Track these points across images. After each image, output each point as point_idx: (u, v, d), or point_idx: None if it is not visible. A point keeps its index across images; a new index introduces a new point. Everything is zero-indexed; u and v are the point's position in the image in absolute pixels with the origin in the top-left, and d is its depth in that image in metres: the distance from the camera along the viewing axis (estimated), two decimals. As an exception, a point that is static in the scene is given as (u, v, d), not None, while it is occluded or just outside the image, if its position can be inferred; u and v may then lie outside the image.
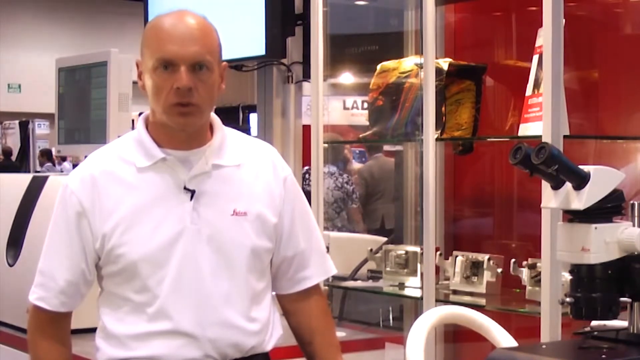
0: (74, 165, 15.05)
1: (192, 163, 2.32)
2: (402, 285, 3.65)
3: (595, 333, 2.15)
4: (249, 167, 2.39)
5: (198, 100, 2.25)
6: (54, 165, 15.95)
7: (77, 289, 2.37)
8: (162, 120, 2.30)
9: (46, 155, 16.20)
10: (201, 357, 2.30)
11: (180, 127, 2.29)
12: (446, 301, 3.36)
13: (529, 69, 3.17)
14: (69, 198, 2.34)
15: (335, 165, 7.73)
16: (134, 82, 4.33)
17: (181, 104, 2.24)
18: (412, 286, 3.60)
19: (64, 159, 15.35)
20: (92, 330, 2.47)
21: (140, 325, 2.31)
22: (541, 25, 2.96)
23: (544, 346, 2.39)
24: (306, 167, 5.08)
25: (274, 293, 2.51)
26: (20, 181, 4.49)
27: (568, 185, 2.06)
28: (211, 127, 2.39)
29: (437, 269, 3.50)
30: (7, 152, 16.67)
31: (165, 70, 2.24)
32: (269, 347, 2.42)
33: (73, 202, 2.33)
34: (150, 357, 2.31)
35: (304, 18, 4.33)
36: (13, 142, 17.49)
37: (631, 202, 2.11)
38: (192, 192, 2.30)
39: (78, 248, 2.34)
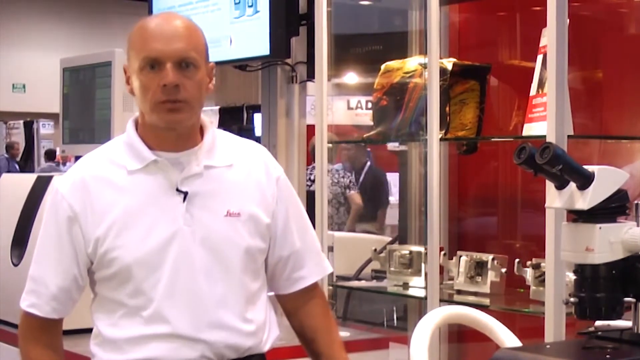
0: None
1: (183, 164, 2.31)
2: (406, 285, 3.65)
3: (600, 333, 2.15)
4: (241, 167, 2.38)
5: (186, 96, 2.24)
6: (58, 165, 15.97)
7: (69, 294, 2.35)
8: (152, 120, 2.28)
9: (46, 155, 16.25)
10: (198, 358, 2.29)
11: (169, 125, 2.28)
12: (450, 301, 3.35)
13: (533, 69, 3.17)
14: (60, 203, 2.31)
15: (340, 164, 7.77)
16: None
17: (169, 101, 2.23)
18: (416, 286, 3.60)
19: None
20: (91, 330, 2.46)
21: (135, 329, 2.29)
22: (545, 25, 2.96)
23: (548, 346, 2.39)
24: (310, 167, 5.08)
25: (272, 294, 2.51)
26: (25, 181, 4.50)
27: (572, 185, 2.06)
28: (201, 130, 2.37)
29: (441, 268, 3.50)
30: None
31: (152, 70, 2.23)
32: (265, 348, 2.41)
33: (64, 206, 2.30)
34: (147, 359, 2.29)
35: (308, 18, 4.33)
36: (18, 141, 17.53)
37: (635, 202, 2.11)
38: (185, 194, 2.29)
39: (70, 253, 2.31)
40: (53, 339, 2.40)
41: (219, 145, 2.38)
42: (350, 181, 7.74)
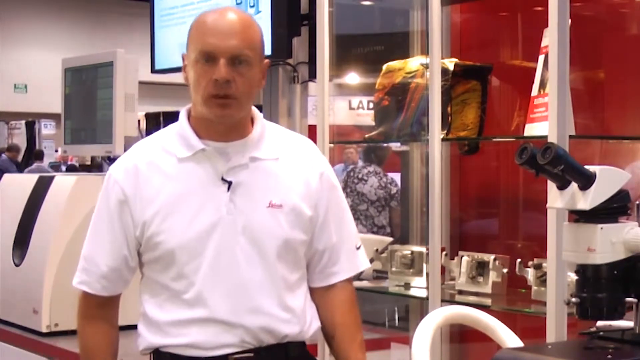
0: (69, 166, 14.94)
1: (230, 155, 2.38)
2: (407, 286, 3.65)
3: (601, 333, 2.15)
4: (287, 160, 2.45)
5: (236, 92, 2.31)
6: (60, 166, 15.98)
7: (119, 274, 2.44)
8: (202, 111, 2.36)
9: (35, 155, 16.31)
10: (238, 343, 2.37)
11: (218, 119, 2.35)
12: (452, 301, 3.35)
13: (534, 69, 3.17)
14: (112, 187, 2.41)
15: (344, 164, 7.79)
16: (140, 83, 4.36)
17: (219, 96, 2.31)
18: (418, 286, 3.60)
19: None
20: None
21: (178, 312, 2.37)
22: (547, 26, 2.96)
23: (549, 346, 2.39)
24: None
25: None
26: (27, 181, 4.50)
27: (574, 185, 2.06)
28: (252, 121, 2.45)
29: (443, 269, 3.50)
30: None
31: (206, 63, 2.32)
32: (306, 336, 2.47)
33: (116, 190, 2.40)
34: (189, 344, 2.37)
35: (310, 18, 4.33)
36: (19, 142, 17.55)
37: (637, 202, 2.11)
38: (229, 183, 2.36)
39: (120, 235, 2.40)
40: (108, 313, 2.49)
41: (268, 137, 2.45)
42: (397, 191, 7.73)
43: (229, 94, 2.31)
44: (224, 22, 2.35)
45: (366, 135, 4.00)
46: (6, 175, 5.05)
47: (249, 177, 2.39)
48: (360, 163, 8.01)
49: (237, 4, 4.58)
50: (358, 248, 2.59)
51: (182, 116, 2.44)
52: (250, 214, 2.37)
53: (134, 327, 2.49)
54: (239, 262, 2.36)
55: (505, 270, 3.36)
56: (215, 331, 2.36)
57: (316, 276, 2.53)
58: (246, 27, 2.36)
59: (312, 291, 2.54)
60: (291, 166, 2.44)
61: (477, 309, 2.70)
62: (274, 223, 2.38)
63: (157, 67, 5.06)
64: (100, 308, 2.47)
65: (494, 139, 3.67)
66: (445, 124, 3.40)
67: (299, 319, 2.44)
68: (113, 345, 2.49)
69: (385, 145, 5.92)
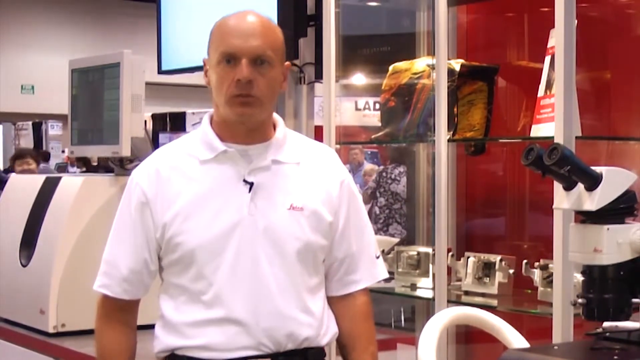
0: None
1: (252, 157, 2.40)
2: (414, 286, 3.65)
3: (607, 334, 2.15)
4: (308, 166, 2.46)
5: (257, 92, 2.33)
6: (66, 167, 15.99)
7: (140, 278, 2.44)
8: (224, 112, 2.37)
9: (42, 155, 16.29)
10: (255, 346, 2.36)
11: (240, 119, 2.36)
12: (458, 302, 3.35)
13: (541, 70, 3.17)
14: (134, 189, 2.43)
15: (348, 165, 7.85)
16: (147, 83, 4.36)
17: (241, 95, 2.32)
18: (424, 287, 3.60)
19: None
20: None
21: (195, 313, 2.37)
22: (553, 26, 2.96)
23: (555, 347, 2.39)
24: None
25: None
26: (34, 182, 4.51)
27: (580, 186, 2.06)
28: (274, 127, 2.46)
29: (449, 269, 3.50)
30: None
31: (228, 64, 2.33)
32: (324, 341, 2.46)
33: (137, 192, 2.41)
34: (205, 346, 2.36)
35: (316, 19, 4.33)
36: (26, 143, 17.58)
37: (643, 202, 2.11)
38: (251, 185, 2.37)
39: (141, 238, 2.41)
40: (127, 317, 2.49)
41: (289, 142, 2.47)
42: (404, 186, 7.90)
43: (251, 94, 2.32)
44: (245, 23, 2.37)
45: (372, 136, 4.00)
46: (13, 176, 5.06)
47: (271, 179, 2.40)
48: (391, 164, 8.21)
49: (244, 5, 4.58)
50: (377, 257, 2.59)
51: (205, 122, 2.46)
52: (272, 215, 2.38)
53: (149, 327, 2.49)
54: (260, 262, 2.36)
55: (511, 271, 3.36)
56: (232, 332, 2.35)
57: (334, 284, 2.53)
58: (267, 28, 2.38)
59: (329, 300, 2.54)
60: (312, 172, 2.46)
61: (483, 309, 2.71)
62: (295, 225, 2.39)
63: (163, 68, 5.07)
64: (119, 312, 2.47)
65: (501, 140, 3.68)
66: (452, 124, 3.40)
67: (319, 324, 2.43)
68: (130, 350, 2.48)
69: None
